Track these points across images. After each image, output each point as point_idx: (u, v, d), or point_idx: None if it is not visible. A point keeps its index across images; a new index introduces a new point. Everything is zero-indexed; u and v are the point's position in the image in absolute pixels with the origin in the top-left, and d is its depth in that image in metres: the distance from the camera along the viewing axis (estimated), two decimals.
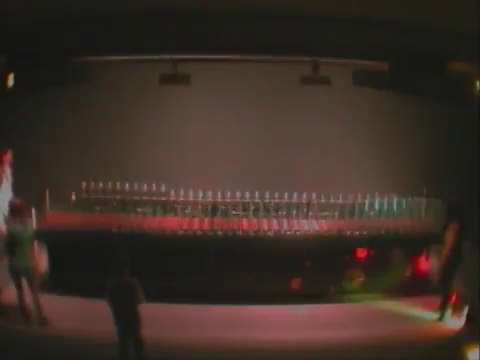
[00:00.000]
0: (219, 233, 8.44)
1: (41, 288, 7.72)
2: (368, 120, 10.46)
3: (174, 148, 10.48)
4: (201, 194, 8.79)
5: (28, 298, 7.55)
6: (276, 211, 8.76)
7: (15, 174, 9.24)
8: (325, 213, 8.85)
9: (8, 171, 9.09)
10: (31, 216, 8.02)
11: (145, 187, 8.85)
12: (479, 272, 7.65)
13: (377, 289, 8.49)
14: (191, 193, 8.80)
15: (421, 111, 9.87)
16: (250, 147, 10.58)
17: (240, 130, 10.53)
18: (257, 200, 8.74)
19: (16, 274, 7.49)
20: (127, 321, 6.44)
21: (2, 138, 8.78)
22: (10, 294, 7.85)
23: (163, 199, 8.82)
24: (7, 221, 7.82)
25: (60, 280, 8.33)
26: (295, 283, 8.50)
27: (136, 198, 8.78)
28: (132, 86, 10.12)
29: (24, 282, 7.53)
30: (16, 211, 7.52)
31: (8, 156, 9.03)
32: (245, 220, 8.67)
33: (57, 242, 8.33)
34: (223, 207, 8.77)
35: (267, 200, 8.76)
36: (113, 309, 6.39)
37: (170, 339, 7.26)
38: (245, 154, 10.55)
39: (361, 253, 8.57)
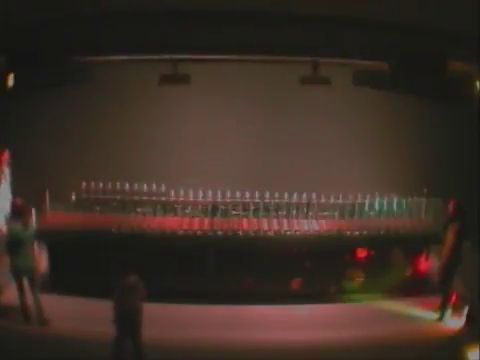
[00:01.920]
0: (219, 233, 8.43)
1: (41, 288, 7.71)
2: (368, 120, 10.47)
3: (174, 148, 10.48)
4: (201, 194, 8.79)
5: (29, 298, 7.55)
6: (276, 211, 8.76)
7: (15, 174, 9.24)
8: (325, 213, 8.85)
9: (6, 171, 9.09)
10: (31, 216, 8.02)
11: (145, 187, 8.86)
12: (479, 272, 7.65)
13: (377, 289, 8.50)
14: (191, 193, 8.80)
15: (421, 111, 9.88)
16: (250, 147, 10.58)
17: (240, 130, 10.53)
18: (257, 200, 8.74)
19: (18, 274, 7.49)
20: (130, 321, 6.44)
21: (2, 138, 8.78)
22: (10, 294, 7.86)
23: (163, 199, 8.83)
24: (8, 221, 7.81)
25: (60, 280, 8.33)
26: (295, 283, 8.51)
27: (136, 198, 8.79)
28: (132, 86, 10.13)
29: (25, 282, 7.53)
30: (18, 211, 7.52)
31: (6, 156, 9.03)
32: (245, 220, 8.67)
33: (57, 242, 8.33)
34: (223, 207, 8.77)
35: (267, 200, 8.76)
36: (118, 309, 6.39)
37: (170, 339, 7.26)
38: (245, 154, 10.54)
39: (361, 253, 8.57)
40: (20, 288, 7.52)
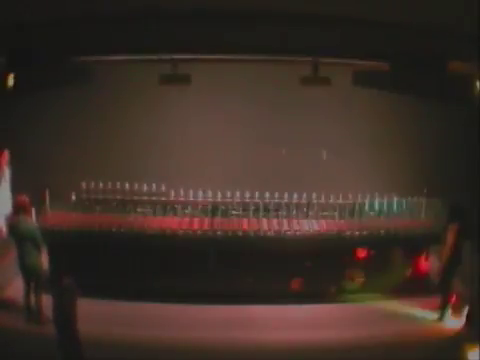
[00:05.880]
0: (219, 233, 8.43)
1: (41, 288, 7.72)
2: (368, 120, 10.46)
3: (174, 148, 10.49)
4: (201, 194, 8.79)
5: (32, 297, 7.57)
6: (276, 211, 8.75)
7: (15, 174, 9.24)
8: (325, 213, 8.85)
9: (6, 172, 9.08)
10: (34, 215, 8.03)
11: (145, 187, 8.85)
12: (479, 272, 7.65)
13: (377, 289, 8.49)
14: (191, 193, 8.79)
15: (421, 111, 9.87)
16: (250, 147, 10.58)
17: (240, 130, 10.53)
18: (257, 200, 8.73)
19: (25, 272, 7.52)
20: (66, 322, 6.42)
21: (2, 138, 8.78)
22: (11, 293, 7.86)
23: (163, 199, 8.82)
24: (12, 220, 7.79)
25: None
26: (295, 283, 8.50)
27: (136, 198, 8.78)
28: (132, 86, 10.12)
29: (31, 280, 7.55)
30: (23, 209, 7.50)
31: (5, 157, 9.02)
32: (245, 220, 8.66)
33: (57, 242, 8.32)
34: (223, 207, 8.77)
35: (267, 200, 8.75)
36: (55, 310, 6.40)
37: (170, 339, 7.26)
38: (245, 154, 10.54)
39: (361, 253, 8.57)
40: (27, 286, 7.56)
